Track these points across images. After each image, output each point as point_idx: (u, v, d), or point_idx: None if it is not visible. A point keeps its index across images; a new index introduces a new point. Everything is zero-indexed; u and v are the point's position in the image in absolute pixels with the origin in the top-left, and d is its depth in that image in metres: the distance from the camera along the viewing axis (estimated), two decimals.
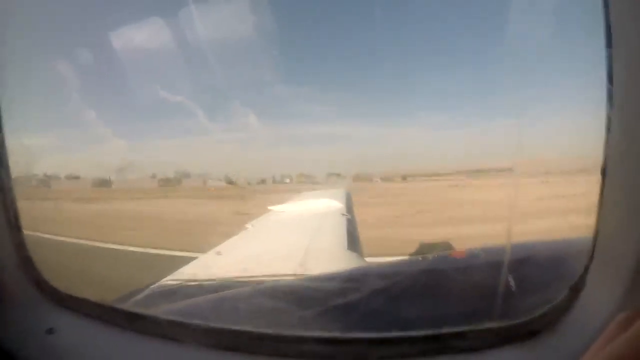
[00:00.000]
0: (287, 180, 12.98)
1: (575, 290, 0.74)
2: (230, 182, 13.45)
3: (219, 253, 2.33)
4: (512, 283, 1.00)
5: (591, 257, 0.72)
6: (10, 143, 1.00)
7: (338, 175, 11.45)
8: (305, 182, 12.17)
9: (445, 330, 0.80)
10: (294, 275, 1.82)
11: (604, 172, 0.68)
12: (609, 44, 0.63)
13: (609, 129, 0.66)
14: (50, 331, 0.90)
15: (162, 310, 1.18)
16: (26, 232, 1.00)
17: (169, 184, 13.66)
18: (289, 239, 2.68)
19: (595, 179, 0.69)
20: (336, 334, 0.84)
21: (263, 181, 13.63)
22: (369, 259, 2.64)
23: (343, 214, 3.30)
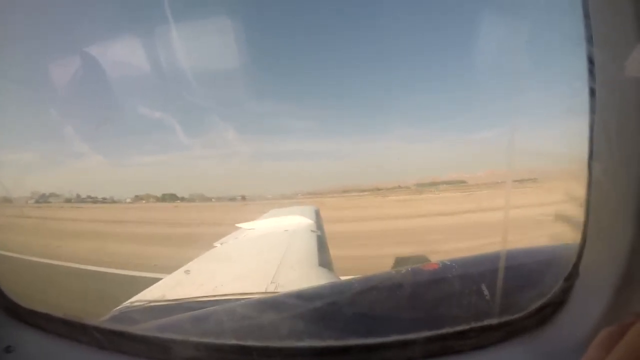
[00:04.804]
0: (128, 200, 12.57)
1: (570, 280, 0.76)
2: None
3: (187, 272, 2.22)
4: (488, 290, 1.00)
5: (582, 246, 0.74)
6: None
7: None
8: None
9: (445, 330, 0.79)
10: (266, 293, 1.79)
11: (590, 165, 0.69)
12: (590, 44, 0.65)
13: (592, 134, 0.68)
14: (8, 349, 0.81)
15: (134, 327, 1.10)
16: None
17: None
18: (259, 257, 2.63)
19: (578, 183, 0.71)
20: (332, 342, 0.81)
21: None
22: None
23: (313, 231, 3.32)
